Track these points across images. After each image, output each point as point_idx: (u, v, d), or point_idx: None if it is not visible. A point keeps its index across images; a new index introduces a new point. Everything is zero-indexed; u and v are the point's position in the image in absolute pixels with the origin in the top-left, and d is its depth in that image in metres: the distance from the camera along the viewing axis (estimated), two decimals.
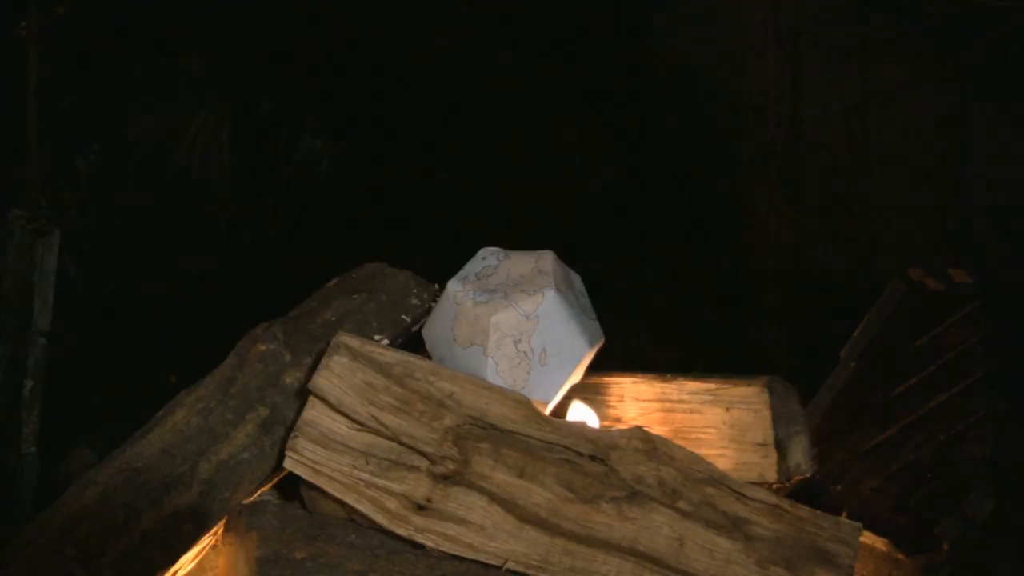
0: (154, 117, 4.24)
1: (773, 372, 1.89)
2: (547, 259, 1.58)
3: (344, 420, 1.29)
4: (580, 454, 1.38)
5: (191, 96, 4.30)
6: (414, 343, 1.60)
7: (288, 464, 1.27)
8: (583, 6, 5.04)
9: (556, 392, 1.60)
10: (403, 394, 1.32)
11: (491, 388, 1.38)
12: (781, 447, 1.75)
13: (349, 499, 1.27)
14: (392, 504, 1.28)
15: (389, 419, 1.29)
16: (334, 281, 1.66)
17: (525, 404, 1.40)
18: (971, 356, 2.61)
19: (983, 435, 2.70)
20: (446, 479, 1.30)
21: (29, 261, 2.68)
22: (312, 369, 1.33)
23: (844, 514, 1.37)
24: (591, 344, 1.61)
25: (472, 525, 1.30)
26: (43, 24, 2.98)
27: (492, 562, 1.30)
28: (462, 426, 1.32)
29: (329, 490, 1.27)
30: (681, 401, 1.80)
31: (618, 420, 1.82)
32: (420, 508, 1.29)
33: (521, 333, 1.49)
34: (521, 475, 1.33)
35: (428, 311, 1.61)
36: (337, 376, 1.29)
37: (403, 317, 1.57)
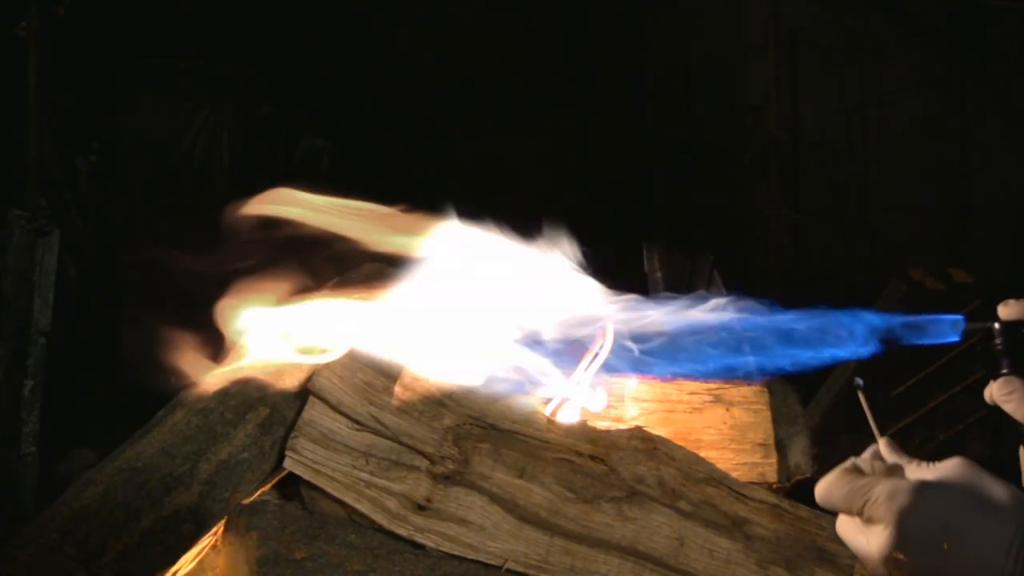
0: (154, 117, 4.23)
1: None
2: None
3: (344, 420, 1.29)
4: (580, 454, 1.38)
5: (191, 96, 4.29)
6: None
7: (288, 464, 1.26)
8: (584, 6, 5.05)
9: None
10: (403, 394, 1.32)
11: (491, 388, 1.38)
12: (781, 447, 1.75)
13: (349, 499, 1.27)
14: (392, 504, 1.28)
15: (389, 419, 1.29)
16: (334, 281, 1.65)
17: (525, 404, 1.40)
18: (971, 357, 2.61)
19: (983, 435, 2.70)
20: (446, 479, 1.30)
21: (29, 261, 2.68)
22: (312, 369, 1.33)
23: None
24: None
25: (472, 525, 1.30)
26: (43, 24, 2.98)
27: (492, 562, 1.30)
28: (462, 426, 1.32)
29: (329, 490, 1.27)
30: (681, 401, 1.80)
31: (618, 420, 1.82)
32: (420, 508, 1.29)
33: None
34: (521, 475, 1.33)
35: None
36: (337, 376, 1.29)
37: None
